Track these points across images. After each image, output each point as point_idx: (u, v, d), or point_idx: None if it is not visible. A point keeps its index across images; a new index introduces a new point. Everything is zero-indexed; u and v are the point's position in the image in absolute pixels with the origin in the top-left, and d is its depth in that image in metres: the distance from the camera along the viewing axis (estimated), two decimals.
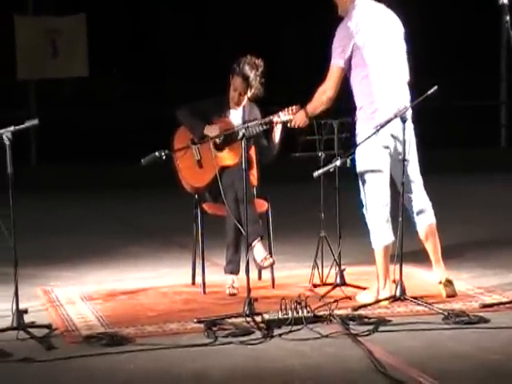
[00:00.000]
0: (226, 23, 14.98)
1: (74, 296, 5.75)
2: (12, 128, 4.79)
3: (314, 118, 5.45)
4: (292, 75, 14.16)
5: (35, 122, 4.88)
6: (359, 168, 5.28)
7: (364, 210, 5.34)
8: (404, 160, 5.10)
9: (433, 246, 5.39)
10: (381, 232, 5.27)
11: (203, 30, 15.36)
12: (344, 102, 5.44)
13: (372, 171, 5.24)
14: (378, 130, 5.12)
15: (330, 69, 5.25)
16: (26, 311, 4.83)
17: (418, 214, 5.37)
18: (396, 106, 5.13)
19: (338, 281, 5.57)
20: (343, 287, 5.52)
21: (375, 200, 5.27)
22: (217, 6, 15.34)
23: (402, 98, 5.26)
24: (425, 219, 5.37)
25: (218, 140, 5.76)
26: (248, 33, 14.20)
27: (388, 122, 5.09)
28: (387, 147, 5.25)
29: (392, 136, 5.23)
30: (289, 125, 5.44)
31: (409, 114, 5.18)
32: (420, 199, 5.37)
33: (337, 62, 5.22)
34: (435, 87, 5.00)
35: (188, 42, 15.30)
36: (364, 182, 5.29)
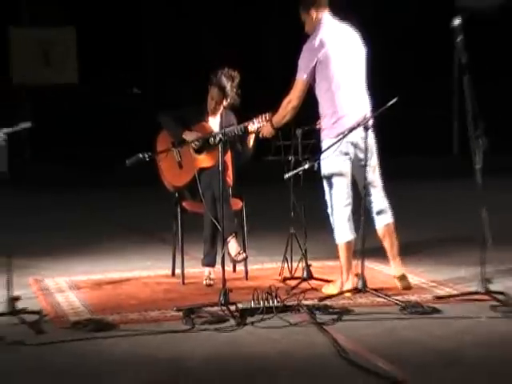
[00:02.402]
0: (208, 14, 14.77)
1: (63, 285, 5.74)
2: (4, 132, 4.72)
3: (279, 129, 5.50)
4: (272, 71, 13.99)
5: (28, 124, 4.85)
6: (323, 172, 5.34)
7: (328, 209, 5.38)
8: (365, 166, 5.15)
9: (390, 244, 5.44)
10: (343, 229, 5.31)
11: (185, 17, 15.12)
12: (310, 111, 5.49)
13: (334, 175, 5.30)
14: (342, 138, 5.17)
15: (295, 82, 5.32)
16: (18, 298, 4.81)
17: (377, 214, 5.42)
18: (357, 117, 5.19)
19: (305, 275, 5.61)
20: (310, 281, 5.56)
21: (338, 201, 5.32)
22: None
23: (363, 109, 5.31)
24: (383, 219, 5.42)
25: (195, 144, 5.79)
26: (230, 26, 14.08)
27: (351, 130, 5.14)
28: (347, 153, 5.30)
29: (352, 144, 5.29)
30: (260, 135, 5.51)
31: (370, 122, 5.22)
32: (379, 201, 5.42)
33: (301, 76, 5.29)
34: (396, 98, 5.05)
35: (169, 34, 15.15)
36: (328, 184, 5.34)
